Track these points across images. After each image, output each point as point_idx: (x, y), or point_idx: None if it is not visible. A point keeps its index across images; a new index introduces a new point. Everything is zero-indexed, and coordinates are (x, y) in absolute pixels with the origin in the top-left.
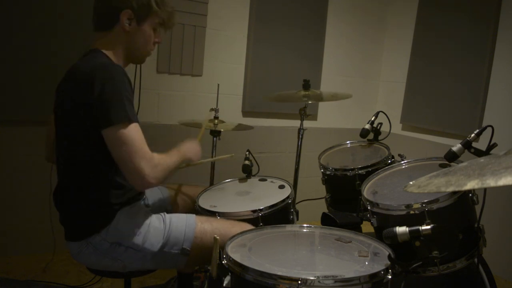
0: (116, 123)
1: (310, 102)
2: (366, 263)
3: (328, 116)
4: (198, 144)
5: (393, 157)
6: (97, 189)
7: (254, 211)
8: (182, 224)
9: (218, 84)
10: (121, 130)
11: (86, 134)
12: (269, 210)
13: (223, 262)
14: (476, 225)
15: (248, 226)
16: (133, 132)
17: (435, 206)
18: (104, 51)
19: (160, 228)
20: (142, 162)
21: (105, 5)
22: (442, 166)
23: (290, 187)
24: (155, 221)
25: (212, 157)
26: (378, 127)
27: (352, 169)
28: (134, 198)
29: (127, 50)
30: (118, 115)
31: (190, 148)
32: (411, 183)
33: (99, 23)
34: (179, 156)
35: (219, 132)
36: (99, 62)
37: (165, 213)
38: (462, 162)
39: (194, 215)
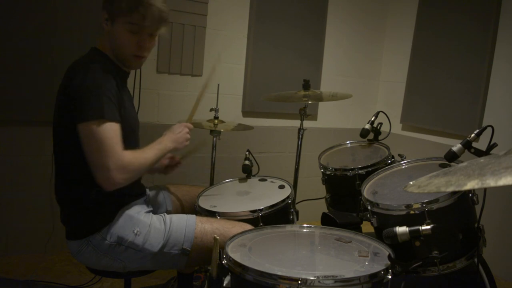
0: (89, 119)
1: (310, 102)
2: (366, 263)
3: (328, 116)
4: (183, 129)
5: (393, 157)
6: (92, 187)
7: (254, 211)
8: (182, 225)
9: (218, 84)
10: (93, 127)
11: (75, 130)
12: (269, 210)
13: (223, 262)
14: (476, 225)
15: (248, 226)
16: (106, 130)
17: (435, 206)
18: (101, 49)
19: (160, 229)
20: (111, 161)
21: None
22: (442, 166)
23: (290, 187)
24: (155, 221)
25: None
26: (378, 127)
27: (352, 169)
28: (134, 197)
29: (112, 50)
30: (92, 111)
31: (173, 138)
32: (411, 183)
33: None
34: (158, 150)
35: (219, 132)
36: (84, 60)
37: (165, 213)
38: (462, 162)
39: (194, 215)
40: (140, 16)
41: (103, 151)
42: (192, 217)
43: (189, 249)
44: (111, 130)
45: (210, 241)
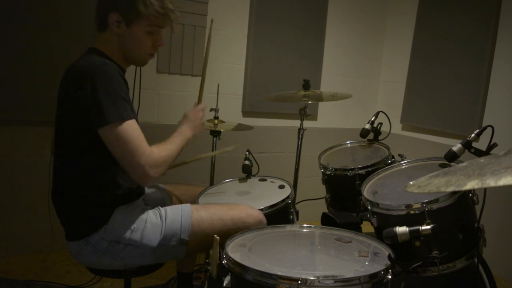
0: (111, 122)
1: (310, 102)
2: (366, 263)
3: (328, 116)
4: (198, 114)
5: (393, 157)
6: (94, 189)
7: None
8: (177, 215)
9: (218, 84)
10: (117, 129)
11: (81, 133)
12: (269, 210)
13: (223, 262)
14: (476, 225)
15: (248, 208)
16: (130, 129)
17: (435, 206)
18: (101, 49)
19: (157, 223)
20: (142, 158)
21: (97, 7)
22: (442, 166)
23: (290, 187)
24: (151, 216)
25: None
26: (378, 127)
27: (352, 169)
28: (132, 198)
29: (122, 51)
30: (112, 114)
31: (191, 125)
32: (411, 183)
33: (96, 24)
34: (180, 140)
35: (219, 132)
36: (91, 61)
37: (159, 207)
38: (462, 162)
39: (189, 204)
40: (160, 15)
41: (132, 151)
42: (186, 206)
43: (187, 238)
44: (134, 129)
45: (208, 228)
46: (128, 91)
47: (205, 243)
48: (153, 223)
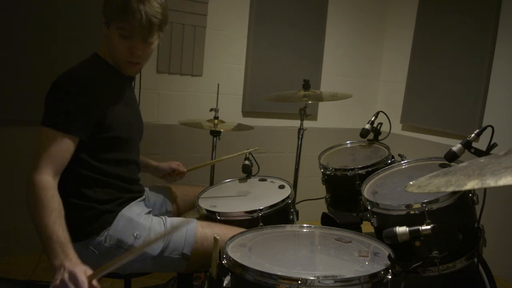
0: (42, 124)
1: (310, 102)
2: (366, 263)
3: (328, 116)
4: (76, 278)
5: (393, 157)
6: (93, 191)
7: (254, 211)
8: (182, 229)
9: (218, 84)
10: (41, 132)
11: None
12: (269, 210)
13: (223, 262)
14: (476, 225)
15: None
16: (48, 140)
17: (435, 206)
18: (100, 53)
19: (160, 232)
20: (33, 173)
21: None
22: (442, 166)
23: (290, 187)
24: (155, 225)
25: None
26: (378, 127)
27: (352, 169)
28: (132, 196)
29: (110, 55)
30: (47, 117)
31: (65, 264)
32: (411, 183)
33: None
34: (53, 232)
35: (219, 132)
36: (73, 67)
37: (166, 217)
38: (462, 162)
39: (195, 219)
40: (129, 21)
41: (35, 160)
42: (192, 222)
43: (189, 253)
44: (53, 142)
45: (211, 246)
46: (106, 101)
47: (205, 261)
48: (156, 232)
